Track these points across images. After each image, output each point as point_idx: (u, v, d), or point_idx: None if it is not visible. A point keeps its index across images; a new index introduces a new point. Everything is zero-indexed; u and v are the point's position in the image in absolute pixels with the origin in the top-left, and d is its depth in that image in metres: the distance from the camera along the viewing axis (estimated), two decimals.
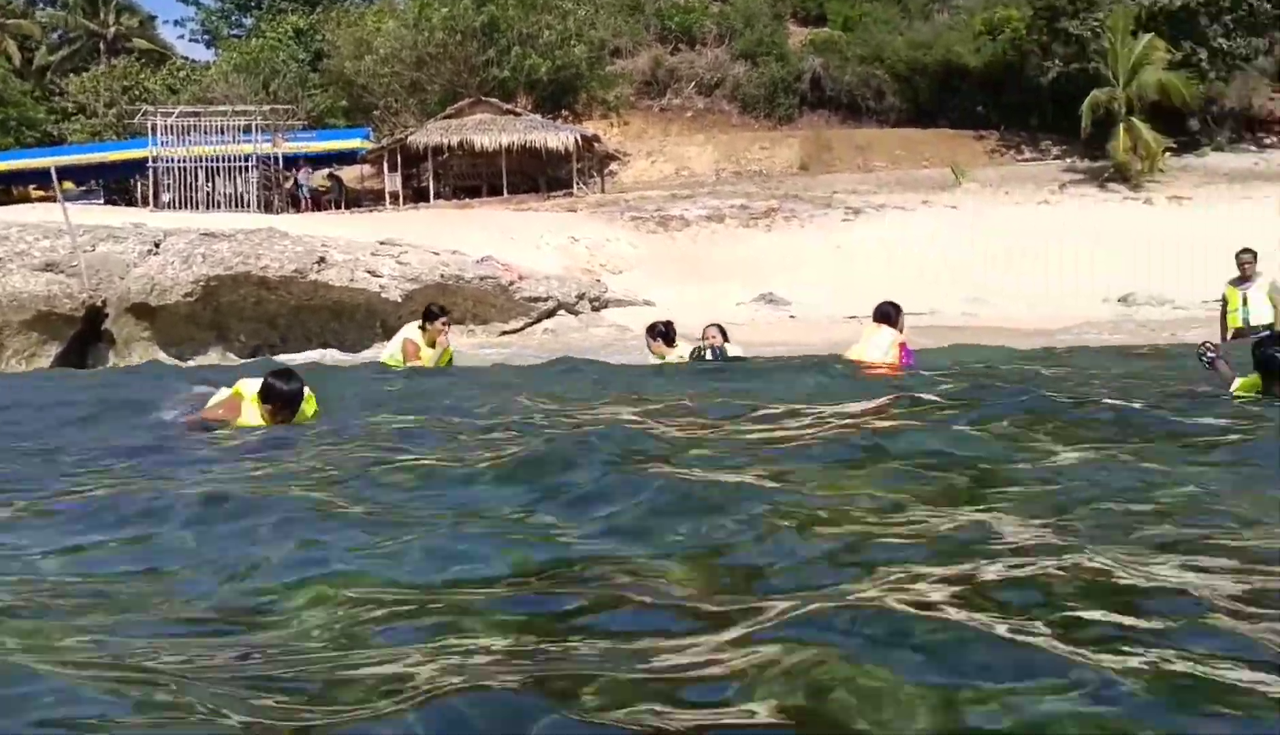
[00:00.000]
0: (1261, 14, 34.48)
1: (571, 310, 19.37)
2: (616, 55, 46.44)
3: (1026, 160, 37.06)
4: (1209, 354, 6.82)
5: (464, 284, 18.56)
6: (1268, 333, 6.04)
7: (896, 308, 9.21)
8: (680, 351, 10.39)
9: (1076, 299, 20.78)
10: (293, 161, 37.18)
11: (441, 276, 18.27)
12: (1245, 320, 11.71)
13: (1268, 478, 4.07)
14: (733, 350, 10.40)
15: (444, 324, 10.59)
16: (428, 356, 10.37)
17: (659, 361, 10.36)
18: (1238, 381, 5.95)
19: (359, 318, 17.51)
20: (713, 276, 25.82)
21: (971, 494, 4.01)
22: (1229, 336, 11.77)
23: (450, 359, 10.71)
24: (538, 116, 37.15)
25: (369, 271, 17.76)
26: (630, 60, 47.03)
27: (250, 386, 6.66)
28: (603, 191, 36.58)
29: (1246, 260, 12.03)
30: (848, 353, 9.38)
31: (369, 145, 37.83)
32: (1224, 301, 12.28)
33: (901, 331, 9.10)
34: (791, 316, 21.27)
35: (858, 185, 33.74)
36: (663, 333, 10.48)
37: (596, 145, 37.63)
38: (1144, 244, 24.88)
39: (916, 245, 26.72)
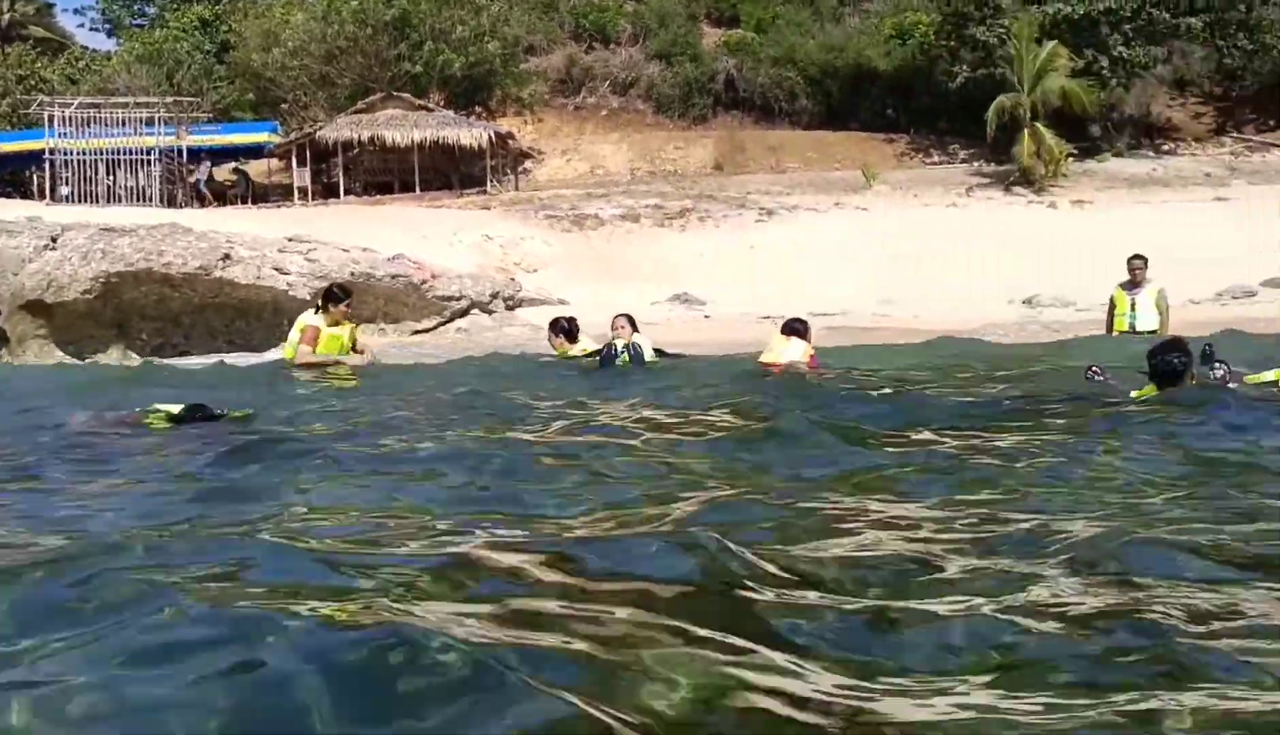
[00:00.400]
0: (1160, 23, 35.53)
1: (485, 309, 19.18)
2: (531, 52, 46.17)
3: (935, 163, 37.72)
4: (1097, 377, 7.22)
5: (375, 282, 18.26)
6: (1161, 340, 6.20)
7: (805, 324, 9.74)
8: (583, 345, 10.43)
9: (984, 301, 21.17)
10: (197, 155, 36.24)
11: (352, 274, 17.92)
12: (1131, 325, 12.02)
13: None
14: (641, 341, 10.30)
15: (348, 306, 10.30)
16: (329, 339, 10.04)
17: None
18: (1133, 393, 6.10)
19: (266, 316, 17.10)
20: (628, 276, 25.78)
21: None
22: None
23: (354, 344, 10.38)
24: (450, 113, 36.77)
25: (276, 269, 17.38)
26: (544, 58, 46.81)
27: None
28: (517, 189, 36.34)
29: (1138, 266, 12.32)
30: (761, 356, 9.58)
31: (277, 139, 37.08)
32: (1111, 304, 12.54)
33: (810, 343, 9.41)
34: (706, 316, 21.34)
35: (771, 186, 34.00)
36: (565, 329, 10.47)
37: (510, 142, 37.37)
38: (1048, 247, 25.47)
39: (828, 246, 26.99)
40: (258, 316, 17.25)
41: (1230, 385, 6.53)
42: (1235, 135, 40.12)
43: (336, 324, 10.18)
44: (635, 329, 10.41)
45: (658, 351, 10.42)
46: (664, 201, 32.25)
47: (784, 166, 38.34)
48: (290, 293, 17.02)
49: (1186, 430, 5.16)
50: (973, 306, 20.50)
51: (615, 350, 10.07)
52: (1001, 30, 34.01)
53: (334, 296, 10.35)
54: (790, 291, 22.73)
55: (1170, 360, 5.28)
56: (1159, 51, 37.44)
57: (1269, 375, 7.35)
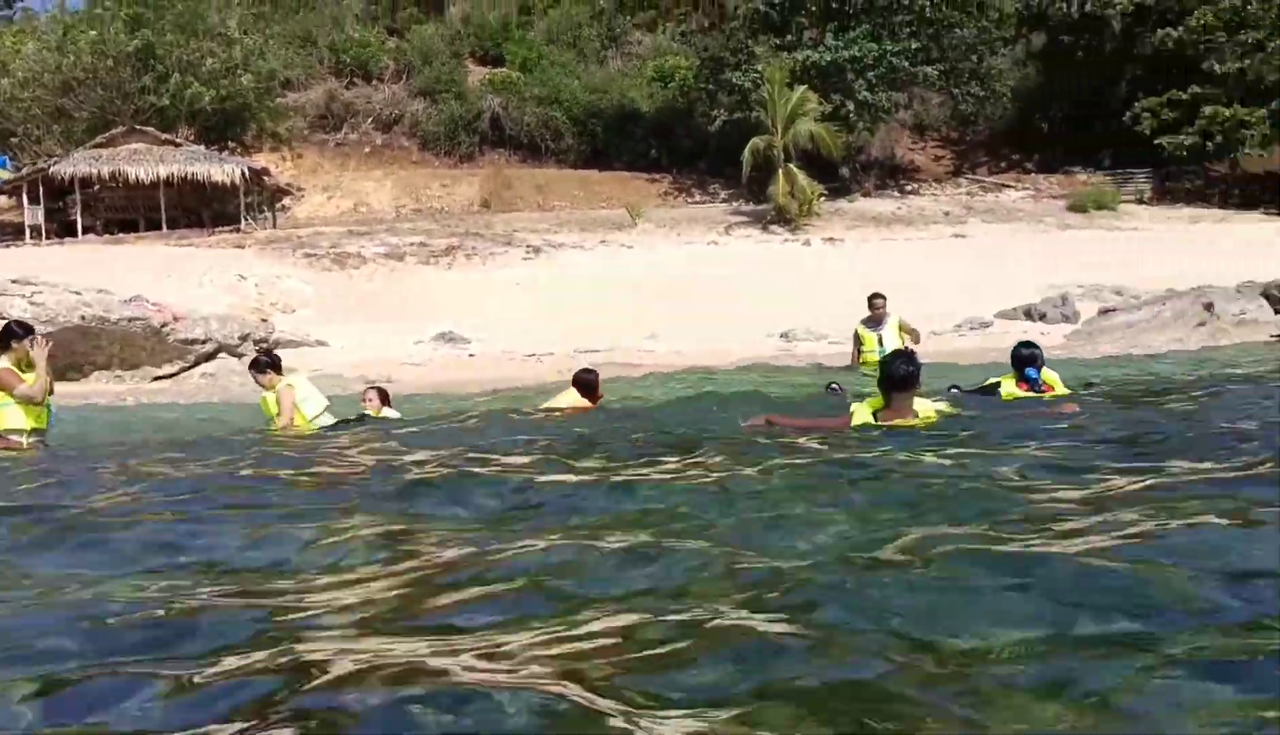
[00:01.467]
0: (900, 71, 37.79)
1: (234, 352, 18.15)
2: (289, 87, 44.76)
3: (697, 202, 38.71)
4: (836, 391, 7.58)
5: (109, 326, 16.99)
6: (892, 352, 6.47)
7: (595, 375, 9.24)
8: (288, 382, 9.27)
9: (745, 335, 21.65)
10: None
11: (82, 318, 16.64)
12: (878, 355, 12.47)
13: None
14: (391, 415, 9.41)
15: (32, 342, 8.92)
16: (34, 382, 8.80)
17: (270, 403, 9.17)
18: (863, 403, 6.29)
19: None
20: (392, 315, 25.14)
21: None
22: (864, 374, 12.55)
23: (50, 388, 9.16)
24: (201, 148, 35.05)
25: None
26: (303, 93, 45.51)
27: None
28: (274, 227, 34.96)
29: (879, 304, 12.81)
30: (548, 403, 9.31)
31: (6, 175, 34.37)
32: (857, 338, 12.96)
33: (596, 398, 9.07)
34: (471, 355, 20.94)
35: (538, 224, 34.02)
36: (269, 363, 9.17)
37: (266, 179, 35.95)
38: (803, 282, 26.42)
39: (594, 283, 27.14)
40: None
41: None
42: (970, 176, 43.07)
43: (26, 365, 8.94)
44: (386, 402, 9.66)
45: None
46: (429, 239, 31.73)
47: (551, 204, 38.49)
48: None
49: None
50: (734, 341, 20.92)
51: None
52: (756, 75, 35.32)
53: (10, 333, 9.00)
54: (557, 328, 22.68)
55: (899, 367, 5.52)
56: (900, 97, 39.88)
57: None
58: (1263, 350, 16.12)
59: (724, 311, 24.43)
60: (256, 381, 9.30)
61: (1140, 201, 39.19)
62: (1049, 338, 20.89)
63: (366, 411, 9.29)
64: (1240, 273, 23.90)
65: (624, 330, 22.47)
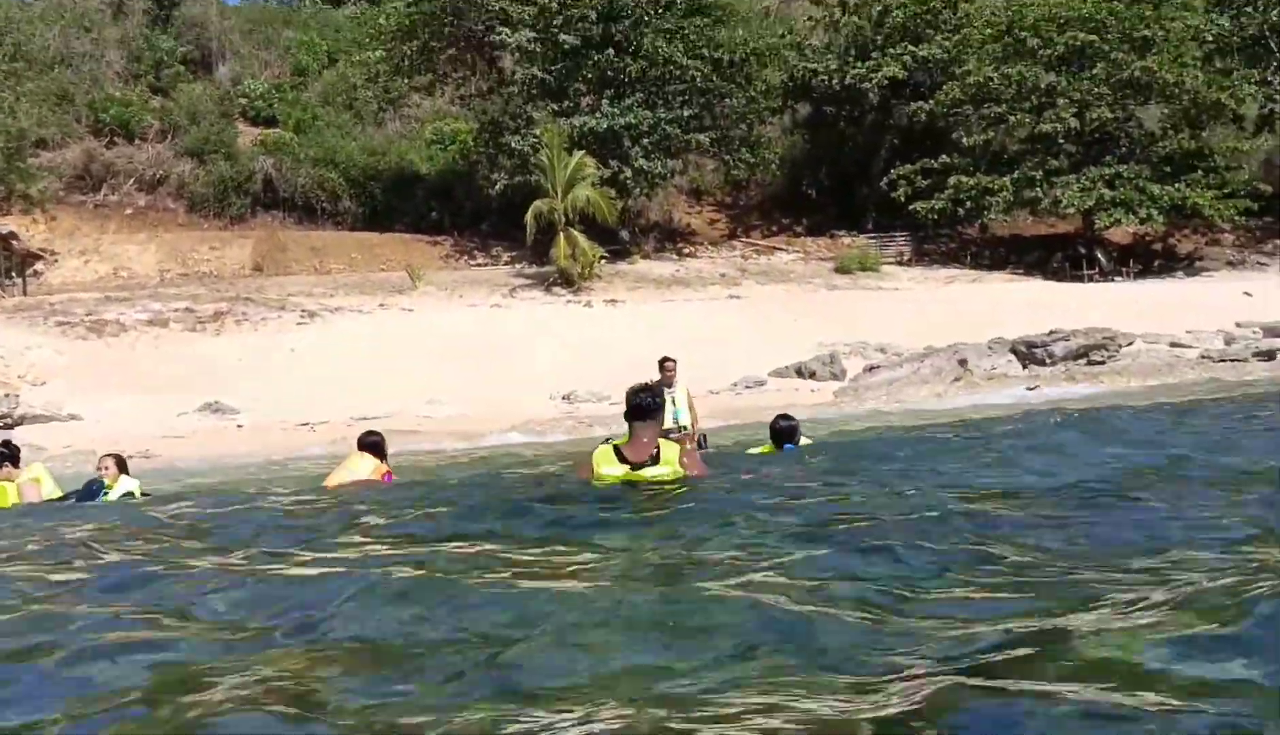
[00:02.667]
0: (674, 139, 38.93)
1: None
2: (42, 146, 42.21)
3: (480, 265, 38.56)
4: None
5: None
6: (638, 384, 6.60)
7: (380, 436, 8.56)
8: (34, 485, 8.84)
9: (527, 397, 21.60)
10: None
11: None
12: (675, 419, 12.66)
13: None
14: (131, 484, 9.11)
15: None
16: None
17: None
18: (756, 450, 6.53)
19: None
20: (155, 386, 23.80)
21: None
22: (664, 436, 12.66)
23: None
24: None
25: None
26: (59, 152, 43.00)
27: None
28: (24, 294, 32.68)
29: (670, 367, 13.02)
30: (328, 480, 8.57)
31: None
32: None
33: (384, 459, 8.42)
34: (239, 426, 20.02)
35: (313, 288, 33.08)
36: (7, 456, 8.76)
37: (15, 243, 33.62)
38: (586, 343, 26.65)
39: (373, 347, 26.56)
40: None
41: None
42: (744, 240, 44.67)
43: None
44: (124, 470, 9.17)
45: (144, 493, 9.20)
46: (196, 304, 30.34)
47: (328, 267, 37.54)
48: None
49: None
50: (517, 403, 20.82)
51: (100, 490, 8.85)
52: (535, 140, 35.63)
53: None
54: (334, 394, 22.01)
55: (641, 398, 5.71)
56: (676, 164, 41.06)
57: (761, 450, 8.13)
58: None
59: (507, 373, 24.33)
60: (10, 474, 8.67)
61: (900, 263, 41.55)
62: (819, 394, 21.79)
63: (104, 480, 8.79)
64: (991, 329, 25.61)
65: (405, 395, 22.03)
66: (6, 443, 9.11)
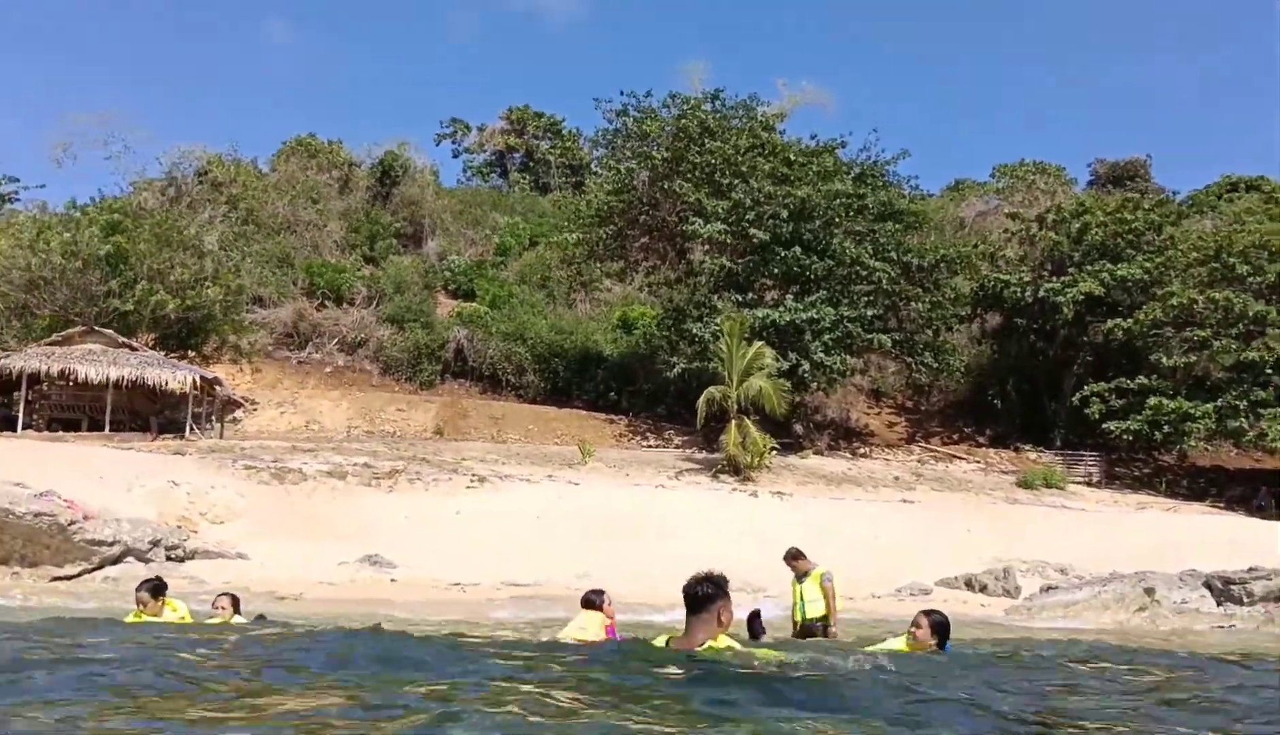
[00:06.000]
0: (856, 337, 38.66)
1: (142, 558, 17.39)
2: (260, 303, 45.37)
3: (651, 446, 38.67)
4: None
5: (14, 519, 16.30)
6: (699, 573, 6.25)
7: (600, 593, 9.72)
8: (180, 614, 9.40)
9: (679, 579, 21.01)
10: None
11: None
12: (803, 612, 12.13)
13: None
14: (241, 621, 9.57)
15: None
16: None
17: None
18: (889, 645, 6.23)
19: None
20: (323, 534, 24.43)
21: None
22: (795, 632, 12.14)
23: None
24: (157, 353, 34.96)
25: None
26: (274, 310, 46.09)
27: None
28: (221, 437, 34.48)
29: (791, 562, 12.55)
30: (562, 634, 9.45)
31: None
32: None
33: (609, 613, 9.54)
34: (393, 580, 20.19)
35: (487, 454, 33.72)
36: (155, 587, 9.42)
37: (218, 388, 35.73)
38: (748, 533, 26.01)
39: (536, 516, 26.66)
40: None
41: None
42: (923, 444, 43.48)
43: None
44: (237, 610, 9.64)
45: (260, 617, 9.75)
46: (375, 460, 31.27)
47: (504, 436, 38.35)
48: None
49: None
50: (667, 585, 20.29)
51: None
52: (715, 327, 35.96)
53: None
54: (490, 558, 22.07)
55: (692, 586, 5.41)
56: (856, 362, 40.67)
57: (889, 644, 7.49)
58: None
59: (664, 555, 23.87)
60: (139, 600, 9.13)
61: (1088, 483, 39.50)
62: (988, 610, 20.47)
63: (215, 620, 9.31)
64: (1183, 562, 23.74)
65: (557, 566, 21.86)
66: (158, 578, 9.62)
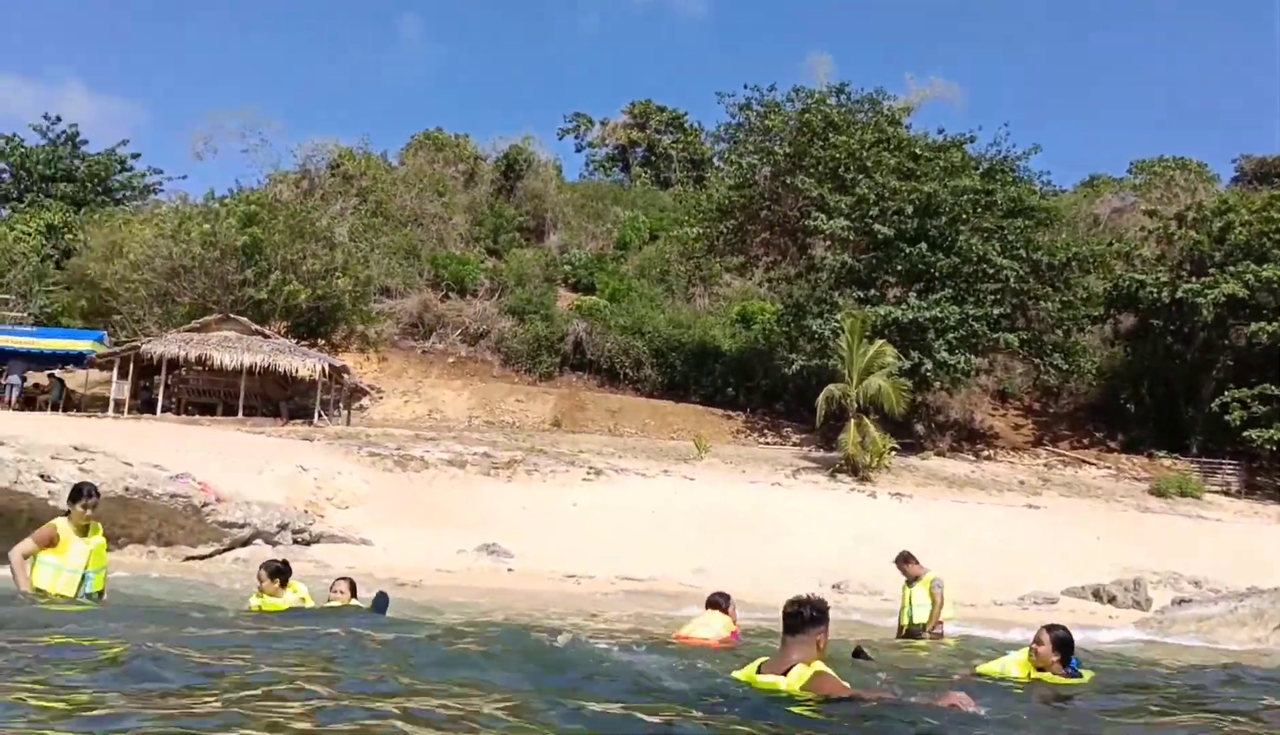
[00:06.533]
0: (982, 336, 37.67)
1: (270, 540, 17.93)
2: (386, 294, 46.42)
3: (768, 443, 38.38)
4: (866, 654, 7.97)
5: (151, 500, 16.94)
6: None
7: (726, 597, 9.74)
8: (300, 596, 9.71)
9: (794, 579, 20.79)
10: (8, 355, 34.50)
11: (126, 489, 16.63)
12: (910, 616, 12.03)
13: None
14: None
15: (83, 506, 8.71)
16: (67, 544, 8.48)
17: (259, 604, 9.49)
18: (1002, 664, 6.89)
19: (20, 526, 15.50)
20: (443, 522, 24.86)
21: None
22: (900, 634, 12.02)
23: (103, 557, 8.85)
24: (288, 341, 36.10)
25: (41, 475, 15.97)
26: (399, 301, 47.11)
27: None
28: (348, 424, 35.42)
29: (901, 567, 12.41)
30: (680, 631, 9.58)
31: (101, 348, 35.64)
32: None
33: (733, 617, 9.56)
34: (510, 569, 20.42)
35: (604, 447, 33.89)
36: (279, 570, 9.72)
37: (346, 377, 36.70)
38: (865, 535, 25.59)
39: (650, 510, 26.70)
40: (10, 525, 15.62)
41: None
42: (1051, 448, 42.18)
43: (86, 530, 8.71)
44: (354, 594, 9.85)
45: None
46: (494, 450, 31.73)
47: (621, 429, 38.51)
48: (51, 502, 15.53)
49: None
50: (781, 584, 20.08)
51: (385, 604, 9.93)
52: (836, 324, 35.46)
53: (77, 493, 8.84)
54: (605, 551, 22.16)
55: (797, 611, 5.32)
56: (981, 362, 39.63)
57: (1009, 663, 7.20)
58: None
59: (779, 554, 23.67)
60: (259, 577, 9.43)
61: (1227, 493, 37.79)
62: (1116, 622, 19.73)
63: (334, 603, 9.54)
64: None
65: (672, 562, 21.84)
66: (282, 561, 9.87)
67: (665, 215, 54.18)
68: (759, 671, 5.41)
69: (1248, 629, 18.57)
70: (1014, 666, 7.17)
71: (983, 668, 7.36)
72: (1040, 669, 7.02)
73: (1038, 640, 7.14)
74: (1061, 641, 7.07)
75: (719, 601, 9.63)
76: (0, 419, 24.69)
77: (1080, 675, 7.10)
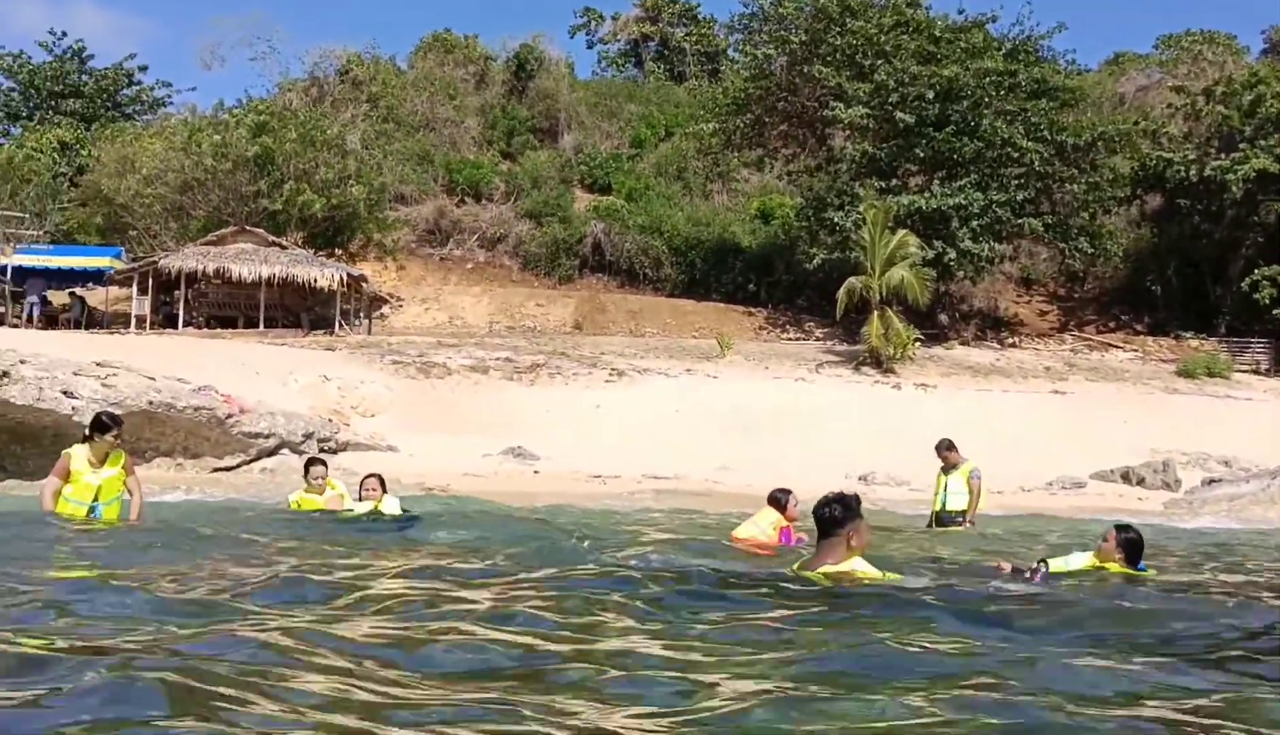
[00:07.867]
0: (1006, 222, 37.07)
1: (296, 450, 17.97)
2: (401, 201, 46.01)
3: (791, 339, 38.16)
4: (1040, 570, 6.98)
5: (175, 413, 16.98)
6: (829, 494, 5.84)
7: (786, 493, 9.01)
8: (339, 492, 10.19)
9: (819, 473, 20.76)
10: (27, 274, 34.51)
11: (150, 403, 16.65)
12: (944, 504, 12.04)
13: None
14: (391, 502, 10.06)
15: (115, 437, 8.65)
16: (79, 475, 8.42)
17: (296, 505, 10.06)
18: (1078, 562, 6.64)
19: (45, 443, 15.58)
20: (467, 427, 24.94)
21: None
22: (931, 522, 12.01)
23: (123, 482, 8.76)
24: (305, 252, 35.93)
25: (64, 391, 15.99)
26: (415, 208, 46.70)
27: None
28: (369, 333, 35.43)
29: (943, 452, 12.36)
30: (735, 532, 8.95)
31: (119, 265, 35.58)
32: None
33: (792, 516, 8.81)
34: (536, 472, 20.49)
35: (626, 348, 33.80)
36: (314, 459, 10.08)
37: (365, 286, 36.58)
38: (890, 426, 25.53)
39: (674, 410, 26.69)
40: (35, 442, 15.74)
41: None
42: (1076, 333, 41.78)
43: (105, 459, 8.57)
44: (384, 490, 10.15)
45: (405, 510, 10.17)
46: (516, 355, 31.69)
47: (642, 330, 38.34)
48: (75, 418, 15.55)
49: None
50: (807, 478, 20.06)
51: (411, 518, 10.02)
52: (858, 216, 34.94)
53: (100, 425, 8.69)
54: (630, 451, 22.17)
55: (820, 509, 5.20)
56: (1005, 249, 39.06)
57: (1073, 562, 7.10)
58: None
59: (805, 448, 23.64)
60: (310, 477, 9.72)
61: (1256, 372, 37.43)
62: (1146, 504, 19.66)
63: (367, 500, 9.90)
64: None
65: (696, 460, 21.84)
66: (322, 461, 10.26)
67: (681, 111, 53.18)
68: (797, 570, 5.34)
69: (1279, 506, 18.45)
70: (1078, 561, 7.10)
71: (1051, 562, 7.16)
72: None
73: (1104, 536, 7.06)
74: (1128, 543, 6.91)
75: (779, 497, 9.00)
76: (23, 338, 24.71)
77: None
